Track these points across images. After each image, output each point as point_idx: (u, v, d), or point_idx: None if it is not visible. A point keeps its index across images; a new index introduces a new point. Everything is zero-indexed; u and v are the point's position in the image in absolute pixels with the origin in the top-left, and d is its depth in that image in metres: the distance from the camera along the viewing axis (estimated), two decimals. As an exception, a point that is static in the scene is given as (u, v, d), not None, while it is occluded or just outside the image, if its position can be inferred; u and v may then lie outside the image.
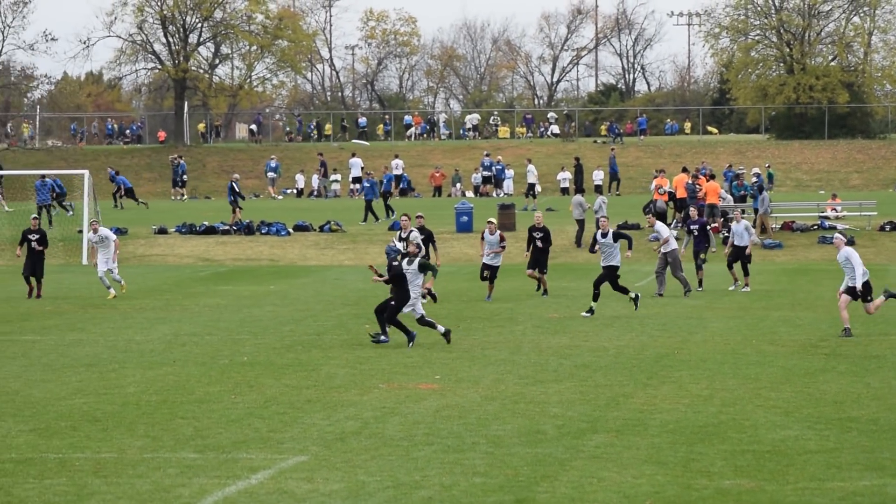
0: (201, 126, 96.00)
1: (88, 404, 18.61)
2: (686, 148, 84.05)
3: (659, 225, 34.82)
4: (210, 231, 52.51)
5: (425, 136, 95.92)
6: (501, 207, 52.16)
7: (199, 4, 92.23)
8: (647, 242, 40.27)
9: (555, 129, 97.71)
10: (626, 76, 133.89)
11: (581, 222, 49.03)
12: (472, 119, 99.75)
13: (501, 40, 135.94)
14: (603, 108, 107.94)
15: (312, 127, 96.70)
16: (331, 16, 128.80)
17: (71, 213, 56.57)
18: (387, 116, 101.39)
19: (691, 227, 36.31)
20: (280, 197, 75.64)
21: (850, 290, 25.54)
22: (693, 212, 37.68)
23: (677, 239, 43.22)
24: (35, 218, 37.30)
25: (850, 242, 47.85)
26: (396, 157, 77.18)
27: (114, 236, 35.76)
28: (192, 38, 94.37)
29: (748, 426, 16.67)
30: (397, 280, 24.73)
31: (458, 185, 75.25)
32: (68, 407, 18.42)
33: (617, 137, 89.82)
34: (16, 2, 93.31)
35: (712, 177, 52.04)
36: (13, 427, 17.02)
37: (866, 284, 25.57)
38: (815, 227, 50.78)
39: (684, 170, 54.29)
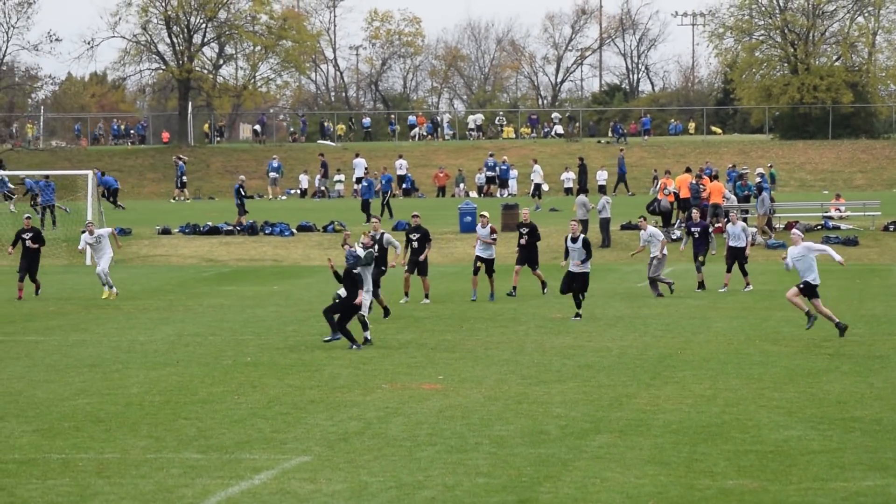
0: (206, 127, 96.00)
1: (92, 405, 18.62)
2: (690, 148, 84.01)
3: (652, 229, 34.55)
4: (214, 231, 52.54)
5: (430, 136, 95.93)
6: (505, 207, 52.16)
7: (203, 5, 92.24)
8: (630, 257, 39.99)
9: (559, 129, 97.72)
10: (630, 76, 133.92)
11: (585, 223, 48.98)
12: (476, 119, 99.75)
13: (505, 40, 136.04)
14: (607, 109, 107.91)
15: (332, 129, 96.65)
16: (335, 16, 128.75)
17: (40, 215, 55.87)
18: (392, 116, 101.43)
19: (692, 228, 36.24)
20: (283, 197, 75.65)
21: (803, 288, 25.39)
22: (696, 213, 37.64)
23: (677, 239, 43.22)
24: (27, 217, 37.10)
25: (854, 243, 48.04)
26: (401, 157, 77.20)
27: (108, 230, 35.79)
28: (197, 39, 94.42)
29: (751, 426, 16.67)
30: (349, 283, 24.59)
31: (462, 185, 75.24)
32: (72, 407, 18.43)
33: (621, 137, 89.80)
34: (20, 2, 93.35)
35: (716, 177, 52.01)
36: (17, 427, 17.03)
37: (814, 286, 25.38)
38: (819, 227, 50.74)
39: (688, 170, 54.27)
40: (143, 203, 73.87)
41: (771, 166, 63.83)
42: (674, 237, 48.13)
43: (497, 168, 73.82)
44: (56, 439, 16.23)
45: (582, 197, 49.96)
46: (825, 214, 52.78)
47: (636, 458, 14.90)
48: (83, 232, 36.23)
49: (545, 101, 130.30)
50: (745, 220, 49.51)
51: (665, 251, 34.06)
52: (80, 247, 38.88)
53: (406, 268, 32.98)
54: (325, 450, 15.47)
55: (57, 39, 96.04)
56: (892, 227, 49.78)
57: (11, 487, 13.77)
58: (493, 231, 33.64)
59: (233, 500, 13.22)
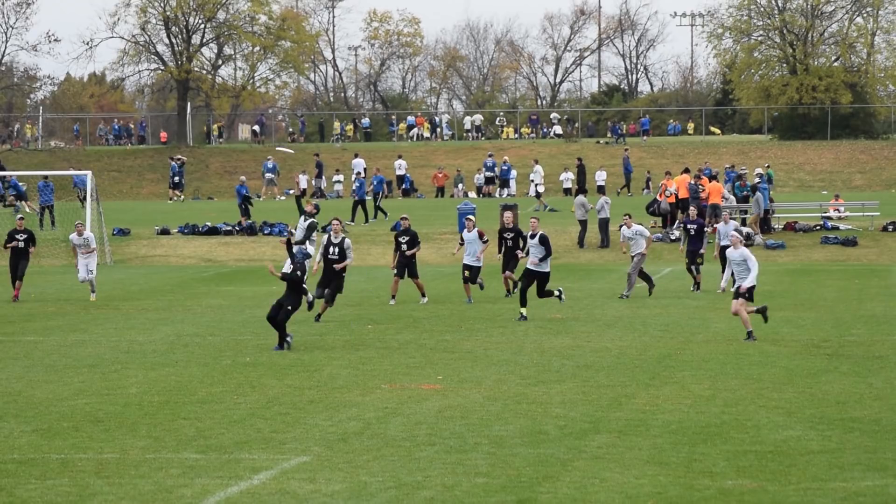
0: (216, 126, 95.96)
1: (91, 405, 18.61)
2: (689, 148, 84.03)
3: (638, 227, 34.45)
4: (213, 232, 52.55)
5: (430, 137, 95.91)
6: (504, 208, 52.10)
7: (202, 5, 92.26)
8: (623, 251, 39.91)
9: (557, 129, 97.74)
10: (629, 77, 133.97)
11: (584, 223, 49.03)
12: (475, 119, 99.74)
13: (504, 41, 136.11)
14: (606, 109, 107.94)
15: (345, 127, 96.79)
16: (334, 16, 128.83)
17: (38, 215, 55.63)
18: (393, 117, 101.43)
19: (688, 225, 36.20)
20: (282, 198, 75.62)
21: (739, 291, 25.25)
22: (693, 210, 37.63)
23: (676, 240, 43.25)
24: (20, 218, 36.72)
25: (853, 243, 48.07)
26: (400, 157, 77.20)
27: (94, 244, 35.52)
28: (195, 39, 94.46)
29: (750, 426, 16.67)
30: (292, 285, 24.58)
31: (461, 185, 75.24)
32: (70, 408, 18.43)
33: (619, 138, 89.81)
34: (19, 3, 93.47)
35: (715, 177, 52.03)
36: (15, 428, 17.03)
37: (752, 288, 25.28)
38: (818, 227, 50.78)
39: (686, 170, 54.29)
40: (142, 203, 73.90)
41: (768, 166, 63.88)
42: (672, 237, 48.17)
43: (496, 168, 73.83)
44: (55, 439, 16.23)
45: (581, 197, 49.95)
46: (824, 215, 52.81)
47: (635, 458, 14.90)
48: (72, 233, 35.98)
49: (544, 102, 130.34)
50: (743, 221, 49.71)
51: (633, 251, 33.85)
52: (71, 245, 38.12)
53: (395, 271, 32.88)
54: (324, 450, 15.47)
55: (56, 40, 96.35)
56: (890, 228, 49.80)
57: (10, 487, 13.77)
58: (481, 235, 33.26)
59: (232, 501, 13.22)
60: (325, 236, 30.41)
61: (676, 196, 51.14)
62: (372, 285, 38.47)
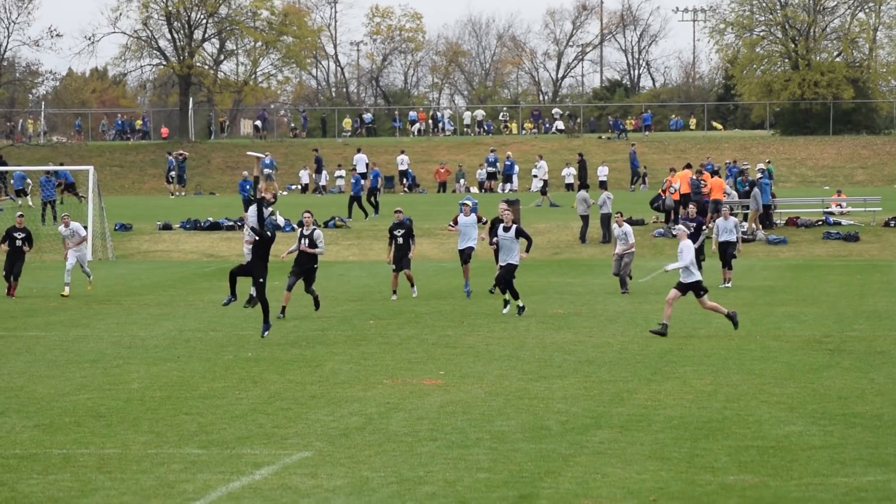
0: (222, 119, 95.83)
1: (92, 400, 18.62)
2: (691, 144, 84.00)
3: (628, 228, 34.58)
4: (214, 227, 52.55)
5: (432, 132, 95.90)
6: (506, 203, 52.03)
7: (204, 0, 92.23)
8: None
9: (559, 125, 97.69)
10: (631, 72, 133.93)
11: (585, 218, 49.01)
12: (477, 115, 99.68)
13: (506, 36, 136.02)
14: (608, 104, 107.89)
15: (343, 122, 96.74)
16: (336, 12, 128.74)
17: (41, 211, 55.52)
18: (395, 112, 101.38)
19: (688, 223, 36.17)
20: (284, 193, 75.61)
21: (681, 286, 25.27)
22: (692, 208, 37.66)
23: (676, 236, 43.14)
24: (20, 216, 36.45)
25: (855, 239, 48.05)
26: (402, 152, 77.19)
27: (84, 232, 35.39)
28: (198, 34, 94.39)
29: (752, 422, 16.67)
30: (259, 251, 24.91)
31: (462, 181, 75.22)
32: (72, 403, 18.44)
33: (621, 133, 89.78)
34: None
35: (717, 173, 51.99)
36: (17, 423, 17.04)
37: (697, 283, 25.26)
38: (820, 222, 50.77)
39: (688, 166, 54.26)
40: (144, 199, 73.91)
41: (769, 162, 63.83)
42: (674, 233, 48.14)
43: (497, 164, 73.80)
44: (57, 434, 16.23)
45: (582, 192, 49.93)
46: (826, 210, 52.79)
47: (637, 453, 14.89)
48: (87, 227, 35.89)
49: (546, 97, 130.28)
50: (745, 216, 49.67)
51: (631, 251, 33.93)
52: (62, 238, 37.64)
53: (393, 266, 32.94)
54: (326, 445, 15.47)
55: (57, 35, 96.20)
56: (892, 223, 49.78)
57: (12, 483, 13.77)
58: (479, 219, 33.67)
59: (234, 496, 13.22)
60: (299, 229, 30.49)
61: (680, 192, 51.12)
62: (373, 280, 38.49)
